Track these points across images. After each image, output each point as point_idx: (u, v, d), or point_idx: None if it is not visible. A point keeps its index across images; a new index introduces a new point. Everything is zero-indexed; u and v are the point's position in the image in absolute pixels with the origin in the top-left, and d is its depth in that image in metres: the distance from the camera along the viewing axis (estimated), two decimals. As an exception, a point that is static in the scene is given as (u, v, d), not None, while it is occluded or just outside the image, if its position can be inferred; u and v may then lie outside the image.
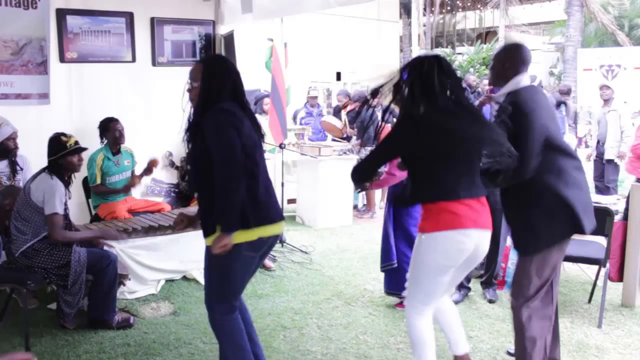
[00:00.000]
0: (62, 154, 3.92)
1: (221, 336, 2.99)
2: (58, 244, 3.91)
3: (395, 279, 4.36)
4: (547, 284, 3.16)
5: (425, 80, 2.81)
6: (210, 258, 2.88)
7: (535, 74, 17.90)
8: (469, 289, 4.72)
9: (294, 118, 9.67)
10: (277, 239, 3.07)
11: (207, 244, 2.90)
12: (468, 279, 4.70)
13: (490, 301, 4.64)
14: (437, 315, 3.17)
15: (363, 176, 3.06)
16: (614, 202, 4.86)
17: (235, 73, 2.98)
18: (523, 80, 3.13)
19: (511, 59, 3.17)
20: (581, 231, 3.10)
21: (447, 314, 3.21)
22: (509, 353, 3.76)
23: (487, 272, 4.76)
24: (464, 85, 9.88)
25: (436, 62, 2.83)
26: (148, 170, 5.27)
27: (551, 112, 3.17)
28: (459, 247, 2.83)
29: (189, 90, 2.94)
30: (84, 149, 4.07)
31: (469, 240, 2.83)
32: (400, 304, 4.35)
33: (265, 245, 2.97)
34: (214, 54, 3.06)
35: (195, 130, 2.87)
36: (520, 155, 2.91)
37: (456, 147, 2.80)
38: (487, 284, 4.76)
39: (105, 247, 4.21)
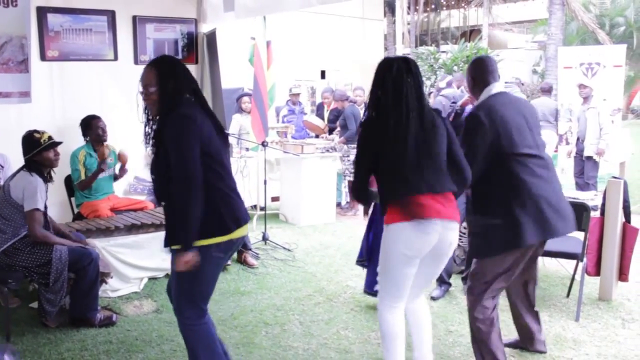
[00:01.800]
0: (37, 150, 3.92)
1: (193, 342, 2.93)
2: (36, 241, 3.91)
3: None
4: (491, 286, 3.28)
5: (394, 85, 2.91)
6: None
7: (519, 72, 18.09)
8: (449, 284, 4.78)
9: (277, 115, 9.68)
10: (244, 239, 3.04)
11: (174, 248, 2.84)
12: (449, 274, 4.76)
13: (471, 296, 4.69)
14: (409, 316, 3.22)
15: (360, 192, 3.03)
16: (592, 198, 4.94)
17: (187, 71, 2.93)
18: (493, 89, 3.28)
19: (476, 72, 3.35)
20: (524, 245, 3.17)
21: (420, 319, 3.24)
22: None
23: (468, 268, 4.81)
24: (452, 85, 9.90)
25: (404, 65, 2.94)
26: (122, 168, 5.30)
27: (514, 121, 3.20)
28: (421, 237, 2.88)
29: (145, 98, 2.85)
30: (59, 143, 4.08)
31: (431, 230, 2.88)
32: None
33: (234, 247, 2.94)
34: (162, 55, 3.01)
35: (158, 138, 2.81)
36: (464, 165, 3.04)
37: (415, 148, 2.87)
38: (467, 279, 4.81)
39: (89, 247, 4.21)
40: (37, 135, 3.96)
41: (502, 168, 3.15)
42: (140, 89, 2.87)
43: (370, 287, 4.42)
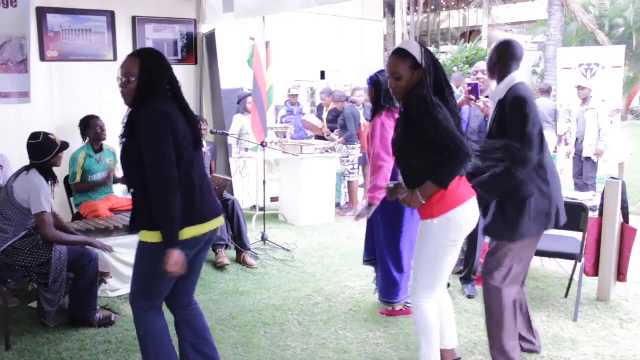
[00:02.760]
0: (57, 151, 3.94)
1: (143, 332, 2.95)
2: (48, 242, 3.92)
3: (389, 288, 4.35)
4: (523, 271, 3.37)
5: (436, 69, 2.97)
6: (142, 255, 2.86)
7: (518, 73, 18.09)
8: (448, 284, 4.76)
9: (276, 114, 9.70)
10: (215, 233, 3.00)
11: (140, 239, 2.86)
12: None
13: (469, 297, 4.70)
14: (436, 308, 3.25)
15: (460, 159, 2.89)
16: (590, 199, 4.95)
17: (169, 68, 2.91)
18: (517, 77, 3.29)
19: (503, 56, 3.32)
20: (556, 226, 3.31)
21: (442, 306, 3.27)
22: None
23: (466, 268, 4.83)
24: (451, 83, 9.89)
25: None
26: None
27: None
28: (466, 219, 3.02)
29: (124, 85, 2.83)
30: (68, 145, 4.12)
31: (472, 209, 3.04)
32: (385, 310, 4.41)
33: (201, 242, 2.92)
34: (148, 48, 3.04)
35: (131, 129, 2.78)
36: (522, 145, 3.07)
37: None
38: (466, 280, 4.83)
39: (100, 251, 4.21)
40: (52, 137, 3.98)
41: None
42: (121, 76, 2.84)
43: (388, 296, 4.33)
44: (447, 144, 2.84)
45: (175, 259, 2.69)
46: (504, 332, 3.34)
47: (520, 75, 3.32)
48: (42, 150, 3.94)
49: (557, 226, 3.33)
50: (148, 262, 2.83)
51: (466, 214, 3.00)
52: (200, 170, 2.93)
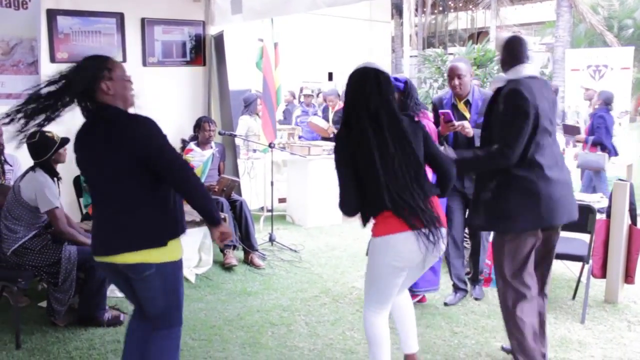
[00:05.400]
0: (56, 148, 3.98)
1: (170, 351, 2.93)
2: (62, 237, 3.97)
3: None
4: (524, 267, 3.29)
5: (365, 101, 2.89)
6: (165, 278, 2.75)
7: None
8: (466, 291, 4.70)
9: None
10: (131, 270, 2.77)
11: (147, 261, 2.69)
12: (464, 281, 4.70)
13: (476, 299, 4.69)
14: (393, 310, 3.20)
15: (348, 208, 2.93)
16: (597, 200, 4.94)
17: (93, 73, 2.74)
18: (525, 70, 3.29)
19: (509, 50, 3.37)
20: (551, 224, 3.28)
21: (403, 311, 3.25)
22: (503, 349, 3.82)
23: (473, 269, 4.82)
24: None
25: (374, 80, 2.91)
26: None
27: (549, 104, 3.29)
28: (410, 249, 2.84)
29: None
30: (69, 140, 4.13)
31: (418, 242, 2.83)
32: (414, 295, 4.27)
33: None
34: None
35: None
36: (506, 140, 3.15)
37: (389, 160, 2.82)
38: (472, 282, 4.82)
39: None
40: (49, 134, 4.00)
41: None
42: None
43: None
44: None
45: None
46: (523, 331, 3.29)
47: (532, 70, 3.33)
48: (40, 148, 3.97)
49: (552, 222, 3.27)
50: (172, 279, 2.78)
51: (410, 242, 2.82)
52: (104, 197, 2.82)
